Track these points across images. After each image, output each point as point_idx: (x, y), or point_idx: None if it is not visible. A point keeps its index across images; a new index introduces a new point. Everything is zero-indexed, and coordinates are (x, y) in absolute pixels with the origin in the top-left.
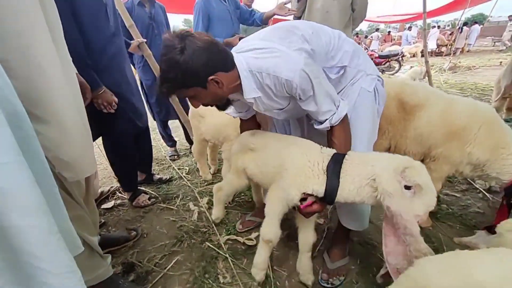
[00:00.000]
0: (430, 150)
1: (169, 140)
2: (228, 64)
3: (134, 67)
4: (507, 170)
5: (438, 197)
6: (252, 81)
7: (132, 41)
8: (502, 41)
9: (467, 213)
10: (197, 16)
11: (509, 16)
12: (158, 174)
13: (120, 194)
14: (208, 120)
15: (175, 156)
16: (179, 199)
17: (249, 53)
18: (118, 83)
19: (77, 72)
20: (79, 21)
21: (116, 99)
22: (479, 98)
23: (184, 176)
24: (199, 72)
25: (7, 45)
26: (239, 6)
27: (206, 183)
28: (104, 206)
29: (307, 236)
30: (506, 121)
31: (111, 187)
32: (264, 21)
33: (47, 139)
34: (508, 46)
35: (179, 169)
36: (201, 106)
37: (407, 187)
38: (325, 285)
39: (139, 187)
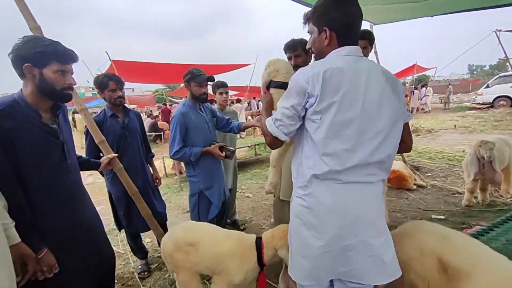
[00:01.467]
0: None
1: (140, 251)
2: None
3: (103, 177)
4: None
5: None
6: None
7: (101, 159)
8: (446, 100)
9: None
10: (175, 128)
11: (447, 84)
12: None
13: None
14: (202, 249)
15: (145, 273)
16: None
17: None
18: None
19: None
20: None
21: (56, 264)
22: (449, 170)
23: None
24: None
25: None
26: (216, 114)
27: None
28: None
29: None
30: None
31: None
32: (241, 130)
33: None
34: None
35: None
36: (189, 232)
37: None
38: None
39: None
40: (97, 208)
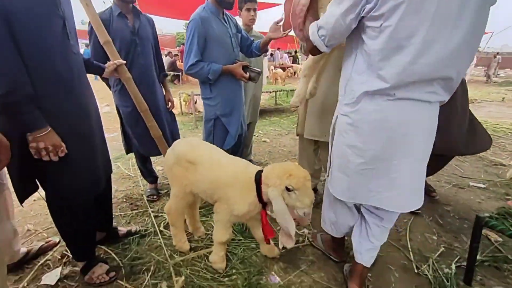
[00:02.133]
0: None
1: (149, 175)
2: None
3: (110, 89)
4: None
5: None
6: None
7: (106, 64)
8: (489, 72)
9: None
10: (191, 36)
11: (494, 54)
12: (128, 224)
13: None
14: (201, 170)
15: (154, 196)
16: (150, 273)
17: None
18: (70, 121)
19: None
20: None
21: (63, 145)
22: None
23: (161, 231)
24: None
25: None
26: (241, 30)
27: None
28: (46, 280)
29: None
30: None
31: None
32: (262, 49)
33: None
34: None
35: (157, 216)
36: (191, 149)
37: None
38: None
39: (98, 247)
40: (111, 135)
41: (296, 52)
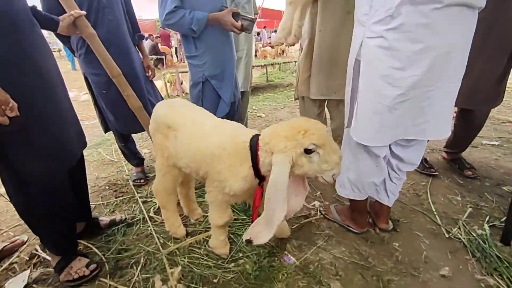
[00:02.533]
0: None
1: (133, 157)
2: None
3: (74, 55)
4: None
5: None
6: None
7: (61, 17)
8: None
9: None
10: None
11: None
12: (112, 213)
13: (42, 254)
14: (182, 137)
15: (142, 180)
16: (139, 267)
17: None
18: (19, 81)
19: None
20: None
21: (12, 101)
22: None
23: (151, 218)
24: None
25: None
26: None
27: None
28: (10, 287)
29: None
30: None
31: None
32: None
33: None
34: None
35: (145, 201)
36: (171, 110)
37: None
38: None
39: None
40: (91, 122)
41: None
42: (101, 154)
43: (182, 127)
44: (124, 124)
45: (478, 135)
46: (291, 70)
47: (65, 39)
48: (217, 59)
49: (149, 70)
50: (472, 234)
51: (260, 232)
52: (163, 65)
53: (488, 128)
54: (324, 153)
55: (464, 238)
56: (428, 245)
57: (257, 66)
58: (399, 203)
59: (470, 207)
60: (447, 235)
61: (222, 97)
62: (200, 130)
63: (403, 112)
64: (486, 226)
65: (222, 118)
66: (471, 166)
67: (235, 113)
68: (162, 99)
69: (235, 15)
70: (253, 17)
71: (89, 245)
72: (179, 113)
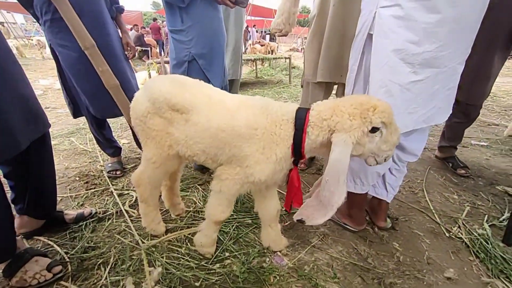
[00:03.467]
0: None
1: (109, 146)
2: None
3: (39, 23)
4: None
5: None
6: None
7: None
8: None
9: None
10: None
11: None
12: (80, 206)
13: None
14: (197, 120)
15: (117, 172)
16: (108, 267)
17: None
18: None
19: None
20: None
21: None
22: None
23: (126, 211)
24: None
25: None
26: None
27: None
28: None
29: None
30: None
31: None
32: None
33: None
34: None
35: (121, 194)
36: (178, 89)
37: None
38: None
39: (35, 239)
40: (66, 111)
41: None
42: (73, 143)
43: (196, 108)
44: (98, 106)
45: (467, 136)
46: (281, 68)
47: (27, 3)
48: (205, 35)
49: (128, 48)
50: (473, 234)
51: (313, 213)
52: (148, 57)
53: (475, 130)
54: (387, 132)
55: (465, 238)
56: (429, 245)
57: (247, 60)
58: (396, 200)
59: (468, 206)
60: (447, 235)
61: (211, 81)
62: (221, 108)
63: (416, 95)
64: (486, 226)
65: None
66: (465, 165)
67: None
68: (137, 85)
69: None
70: None
71: (50, 242)
72: (189, 91)
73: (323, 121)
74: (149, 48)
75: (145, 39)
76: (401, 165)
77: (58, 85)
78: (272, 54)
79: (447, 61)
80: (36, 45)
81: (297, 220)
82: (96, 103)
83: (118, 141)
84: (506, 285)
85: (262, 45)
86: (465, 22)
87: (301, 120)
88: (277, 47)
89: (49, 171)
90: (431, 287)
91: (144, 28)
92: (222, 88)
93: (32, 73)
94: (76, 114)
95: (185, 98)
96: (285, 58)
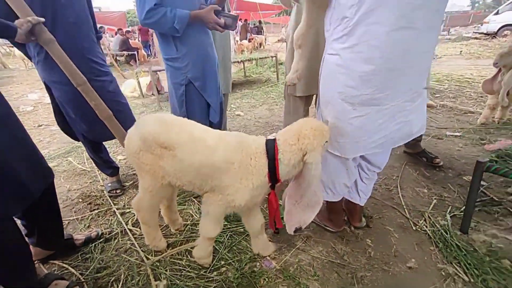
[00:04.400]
0: None
1: (107, 167)
2: None
3: (31, 61)
4: None
5: None
6: None
7: (17, 22)
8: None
9: None
10: None
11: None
12: (87, 228)
13: None
14: (182, 156)
15: (118, 191)
16: (120, 284)
17: None
18: None
19: None
20: None
21: None
22: (459, 91)
23: (130, 230)
24: None
25: None
26: None
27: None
28: None
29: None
30: None
31: None
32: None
33: None
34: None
35: (123, 213)
36: (164, 128)
37: None
38: None
39: (51, 263)
40: (52, 128)
41: (260, 22)
42: (71, 164)
43: (181, 146)
44: (95, 131)
45: (442, 127)
46: (268, 65)
47: (19, 45)
48: (199, 60)
49: None
50: (436, 226)
51: (303, 217)
52: (135, 61)
53: (451, 120)
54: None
55: (429, 230)
56: (398, 239)
57: (234, 62)
58: (372, 199)
59: (435, 198)
60: (414, 228)
61: (208, 100)
62: (202, 144)
63: (359, 128)
64: (448, 217)
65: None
66: (436, 156)
67: (223, 113)
68: (126, 102)
69: (217, 13)
70: (235, 14)
71: (65, 265)
72: (175, 130)
73: (291, 146)
74: (135, 52)
75: (130, 42)
76: (370, 174)
77: (48, 99)
78: (260, 47)
79: (388, 101)
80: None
81: (294, 232)
82: (93, 128)
83: (114, 160)
84: (456, 269)
85: (249, 41)
86: (398, 72)
87: (271, 150)
88: (265, 39)
89: (54, 210)
90: (395, 277)
91: (129, 32)
92: (219, 103)
93: (18, 86)
94: (65, 131)
95: (170, 137)
96: (271, 56)
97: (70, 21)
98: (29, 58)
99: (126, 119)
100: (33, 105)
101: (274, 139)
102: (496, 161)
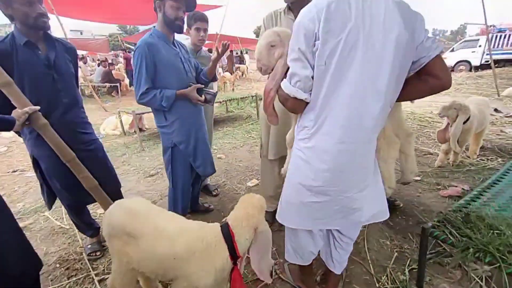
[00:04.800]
0: None
1: (88, 229)
2: None
3: (21, 136)
4: None
5: None
6: None
7: (14, 114)
8: None
9: None
10: (139, 63)
11: None
12: None
13: None
14: (145, 246)
15: (98, 253)
16: None
17: None
18: None
19: None
20: None
21: None
22: (420, 131)
23: None
24: None
25: None
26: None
27: None
28: None
29: None
30: None
31: None
32: (209, 76)
33: None
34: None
35: (102, 280)
36: (129, 217)
37: None
38: None
39: None
40: (27, 175)
41: (241, 52)
42: (49, 220)
43: (144, 235)
44: (80, 197)
45: None
46: (249, 101)
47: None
48: (185, 126)
49: None
50: (396, 282)
51: (264, 270)
52: (117, 92)
53: None
54: None
55: (389, 287)
56: None
57: (216, 102)
58: None
59: (396, 251)
60: (377, 285)
61: (192, 162)
62: (163, 236)
63: (316, 210)
64: (406, 271)
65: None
66: (395, 199)
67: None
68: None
69: (199, 90)
70: (215, 91)
71: None
72: (139, 219)
73: (244, 227)
74: (118, 83)
75: (113, 73)
76: (343, 244)
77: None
78: (242, 75)
79: (341, 193)
80: None
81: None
82: (78, 196)
83: (95, 215)
84: None
85: (231, 73)
86: (348, 172)
87: (228, 235)
88: (247, 68)
89: None
90: None
91: (112, 64)
92: (209, 160)
93: None
94: (51, 205)
95: (135, 227)
96: (252, 96)
97: (64, 102)
98: (19, 135)
99: (111, 181)
100: (7, 145)
101: (227, 224)
102: (438, 225)
